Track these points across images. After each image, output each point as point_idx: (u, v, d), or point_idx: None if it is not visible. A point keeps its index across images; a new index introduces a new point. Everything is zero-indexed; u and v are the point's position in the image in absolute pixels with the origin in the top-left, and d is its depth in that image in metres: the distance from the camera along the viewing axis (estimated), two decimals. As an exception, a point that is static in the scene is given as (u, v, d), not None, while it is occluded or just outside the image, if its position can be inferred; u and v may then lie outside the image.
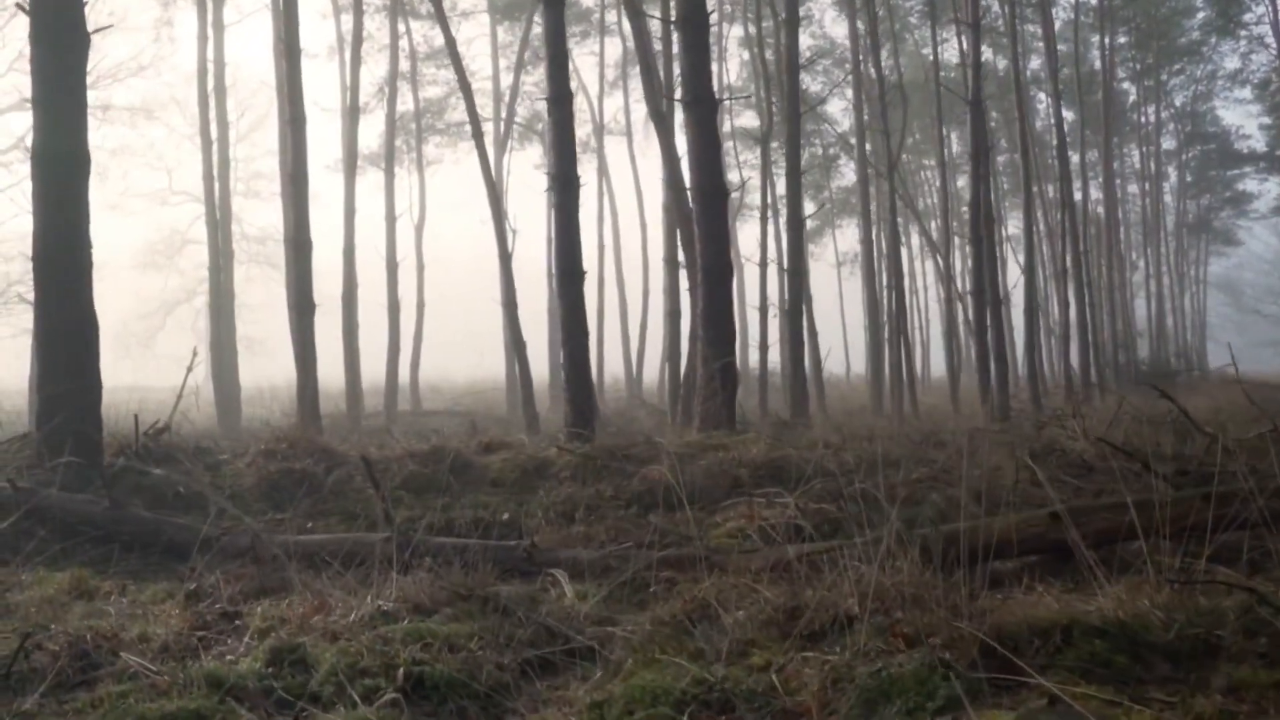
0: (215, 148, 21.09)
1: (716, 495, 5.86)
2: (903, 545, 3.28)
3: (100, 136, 22.20)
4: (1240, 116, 73.90)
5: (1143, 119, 36.74)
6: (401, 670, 2.67)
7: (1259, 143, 39.46)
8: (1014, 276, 24.18)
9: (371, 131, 31.42)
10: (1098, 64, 30.58)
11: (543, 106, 29.64)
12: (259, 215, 38.97)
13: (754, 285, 22.93)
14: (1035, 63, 30.89)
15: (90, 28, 6.90)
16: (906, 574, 3.08)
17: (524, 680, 2.86)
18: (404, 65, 26.25)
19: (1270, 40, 30.16)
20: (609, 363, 29.59)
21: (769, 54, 20.63)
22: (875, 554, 3.26)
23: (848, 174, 34.77)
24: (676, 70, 16.18)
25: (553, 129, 9.90)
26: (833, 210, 35.61)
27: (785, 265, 17.28)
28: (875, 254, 25.29)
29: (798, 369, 15.62)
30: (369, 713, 2.52)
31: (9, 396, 17.10)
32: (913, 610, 2.84)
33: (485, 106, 28.20)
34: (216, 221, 20.94)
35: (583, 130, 29.85)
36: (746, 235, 31.62)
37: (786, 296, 16.49)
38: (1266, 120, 38.08)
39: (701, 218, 10.09)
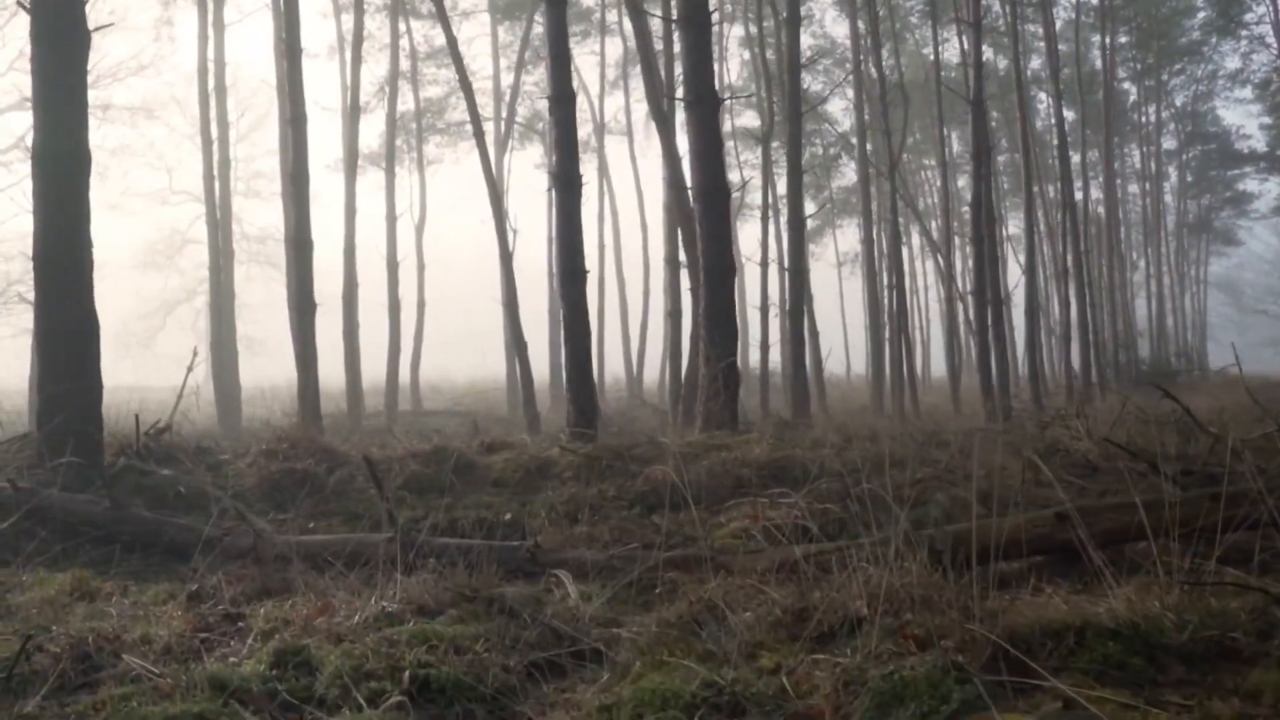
0: (215, 147, 21.06)
1: (720, 495, 5.83)
2: (911, 546, 3.26)
3: (100, 136, 22.18)
4: (1241, 116, 73.94)
5: (1143, 119, 36.74)
6: (407, 673, 2.64)
7: (1259, 143, 39.50)
8: (1014, 276, 24.20)
9: (372, 131, 31.40)
10: (1098, 64, 30.58)
11: (543, 106, 29.66)
12: (259, 215, 38.90)
13: (754, 285, 22.95)
14: (1036, 62, 30.89)
15: (90, 26, 6.87)
16: (915, 575, 3.06)
17: (530, 683, 2.83)
18: (404, 65, 26.25)
19: (1271, 40, 30.19)
20: (610, 362, 29.58)
21: (770, 53, 20.61)
22: (883, 555, 3.24)
23: (848, 174, 34.77)
24: (678, 69, 16.17)
25: (555, 128, 9.87)
26: (833, 210, 35.59)
27: (786, 265, 17.26)
28: (876, 254, 25.27)
29: (799, 369, 15.60)
30: (374, 716, 2.50)
31: (9, 396, 17.07)
32: (922, 612, 2.81)
33: (486, 106, 28.19)
34: (217, 221, 20.91)
35: (583, 130, 29.78)
36: (747, 235, 31.60)
37: (787, 296, 16.47)
38: (1267, 120, 38.09)
39: (703, 217, 10.06)
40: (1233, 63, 35.66)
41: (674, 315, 17.94)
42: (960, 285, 27.81)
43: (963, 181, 32.90)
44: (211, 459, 6.98)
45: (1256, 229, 46.48)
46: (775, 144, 21.74)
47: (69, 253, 6.52)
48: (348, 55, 22.28)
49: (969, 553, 3.47)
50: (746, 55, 30.92)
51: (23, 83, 20.45)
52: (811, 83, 27.84)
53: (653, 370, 30.55)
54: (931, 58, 25.10)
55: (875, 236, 25.75)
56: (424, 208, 27.39)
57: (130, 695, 2.67)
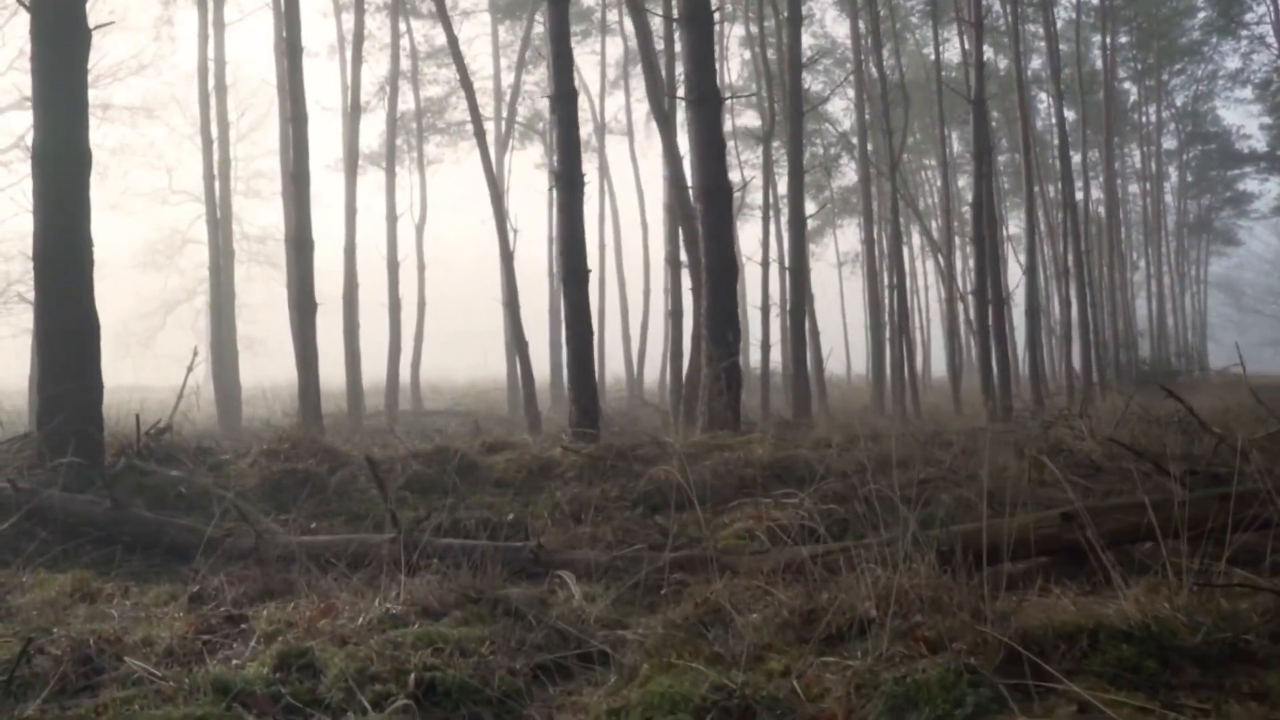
0: (216, 147, 21.03)
1: (723, 496, 5.80)
2: (918, 547, 3.23)
3: (100, 135, 22.18)
4: (1241, 116, 74.04)
5: (1144, 119, 36.74)
6: (412, 675, 2.61)
7: (1260, 143, 39.52)
8: (1015, 276, 24.18)
9: (372, 131, 31.41)
10: (1099, 64, 30.56)
11: (543, 105, 29.68)
12: (259, 215, 39.05)
13: (755, 285, 22.93)
14: (1036, 62, 30.89)
15: (90, 25, 6.84)
16: (924, 576, 3.03)
17: (536, 685, 2.80)
18: (405, 64, 26.22)
19: (1271, 40, 30.20)
20: (610, 362, 29.55)
21: (771, 53, 20.59)
22: (890, 555, 3.21)
23: (849, 173, 34.76)
24: (679, 69, 16.15)
25: (557, 126, 9.84)
26: (834, 210, 35.59)
27: (787, 264, 17.24)
28: (877, 253, 25.26)
29: (800, 369, 15.58)
30: (380, 719, 2.47)
31: (9, 396, 17.04)
32: (932, 614, 2.78)
33: (486, 106, 28.17)
34: (217, 221, 20.88)
35: (584, 129, 29.63)
36: (747, 235, 31.57)
37: (788, 296, 16.45)
38: (1267, 120, 38.10)
39: (705, 216, 10.03)
40: (1233, 63, 35.71)
41: (675, 315, 17.93)
42: (961, 285, 27.79)
43: (963, 181, 32.88)
44: (212, 459, 6.95)
45: (1257, 229, 46.56)
46: (776, 143, 21.73)
47: (69, 252, 6.49)
48: (348, 54, 22.26)
49: (975, 554, 3.45)
50: (747, 55, 30.91)
51: (23, 82, 20.43)
52: (812, 82, 27.84)
53: (653, 370, 30.54)
54: (932, 57, 25.09)
55: (876, 236, 25.74)
56: (424, 207, 27.41)
57: (132, 698, 2.64)
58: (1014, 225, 34.75)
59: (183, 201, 31.01)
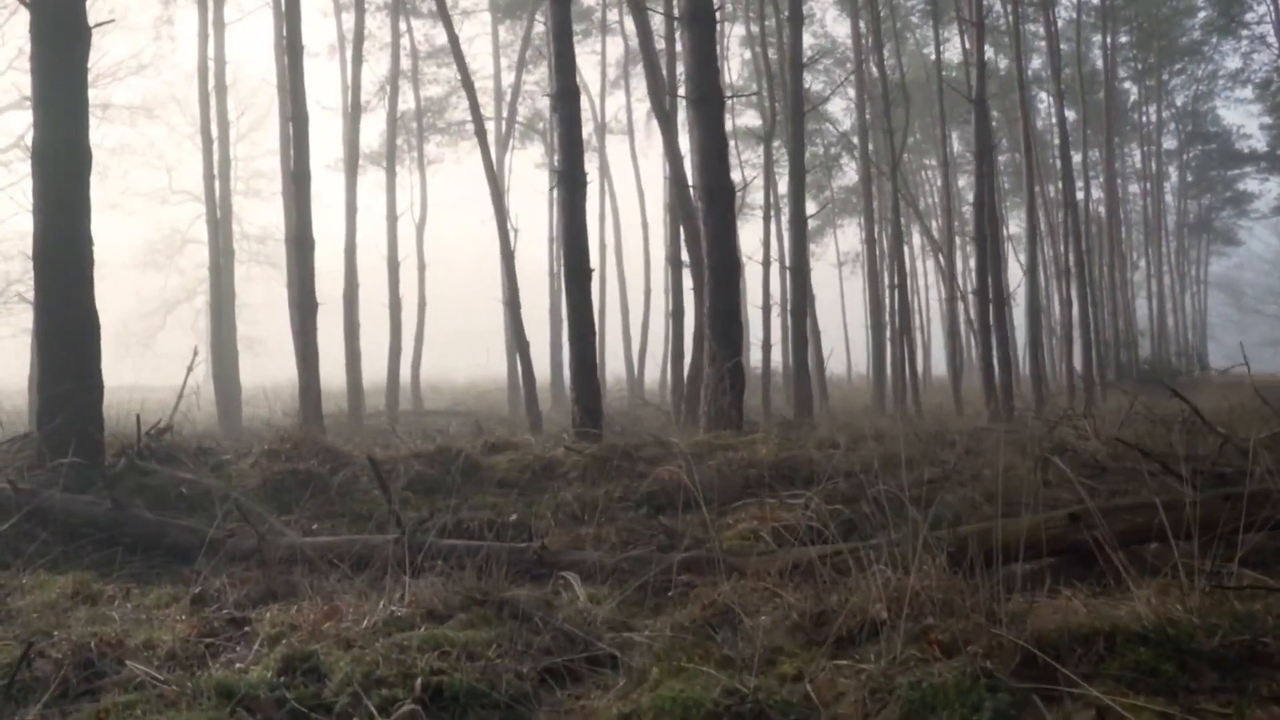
0: (216, 146, 20.99)
1: (727, 496, 5.76)
2: (928, 548, 3.19)
3: (100, 135, 22.15)
4: (1241, 116, 74.08)
5: (1144, 119, 36.71)
6: (419, 680, 2.57)
7: (1260, 142, 39.50)
8: (1015, 276, 24.15)
9: (372, 130, 31.37)
10: (1099, 63, 30.53)
11: (544, 105, 29.64)
12: (259, 214, 39.05)
13: (755, 284, 22.89)
14: (1036, 62, 30.85)
15: (90, 23, 6.80)
16: (935, 578, 2.99)
17: (544, 689, 2.76)
18: (405, 64, 26.17)
19: (1272, 39, 30.16)
20: (610, 362, 29.50)
21: (771, 53, 20.55)
22: (899, 556, 3.17)
23: (849, 173, 34.74)
24: (679, 68, 16.12)
25: (559, 125, 9.81)
26: (834, 209, 35.57)
27: (788, 264, 17.21)
28: (878, 253, 25.24)
29: (801, 368, 15.55)
30: (386, 724, 2.43)
31: (9, 396, 16.99)
32: (944, 616, 2.75)
33: (486, 105, 28.12)
34: (217, 221, 20.84)
35: (584, 129, 29.66)
36: (747, 234, 31.52)
37: (789, 295, 16.41)
38: (1267, 120, 38.07)
39: (708, 216, 10.00)
40: (1233, 62, 35.69)
41: (676, 315, 17.89)
42: (961, 284, 27.76)
43: (963, 181, 32.86)
44: (213, 459, 6.91)
45: (1257, 229, 46.53)
46: (776, 143, 21.70)
47: (69, 252, 6.45)
48: (348, 54, 22.22)
49: (985, 555, 3.41)
50: (747, 54, 30.88)
51: (22, 81, 20.40)
52: (813, 82, 27.80)
53: (653, 370, 30.51)
54: (933, 57, 25.06)
55: (877, 236, 25.71)
56: (424, 207, 27.36)
57: (134, 703, 2.60)
58: (1014, 225, 34.76)
59: (183, 201, 31.02)
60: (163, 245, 33.98)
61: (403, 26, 25.50)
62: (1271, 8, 27.62)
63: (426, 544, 4.18)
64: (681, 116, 16.61)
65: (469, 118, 17.73)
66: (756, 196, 25.75)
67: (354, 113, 22.06)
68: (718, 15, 11.32)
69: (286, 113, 16.32)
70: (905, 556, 3.14)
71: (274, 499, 5.91)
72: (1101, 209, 30.15)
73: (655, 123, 17.07)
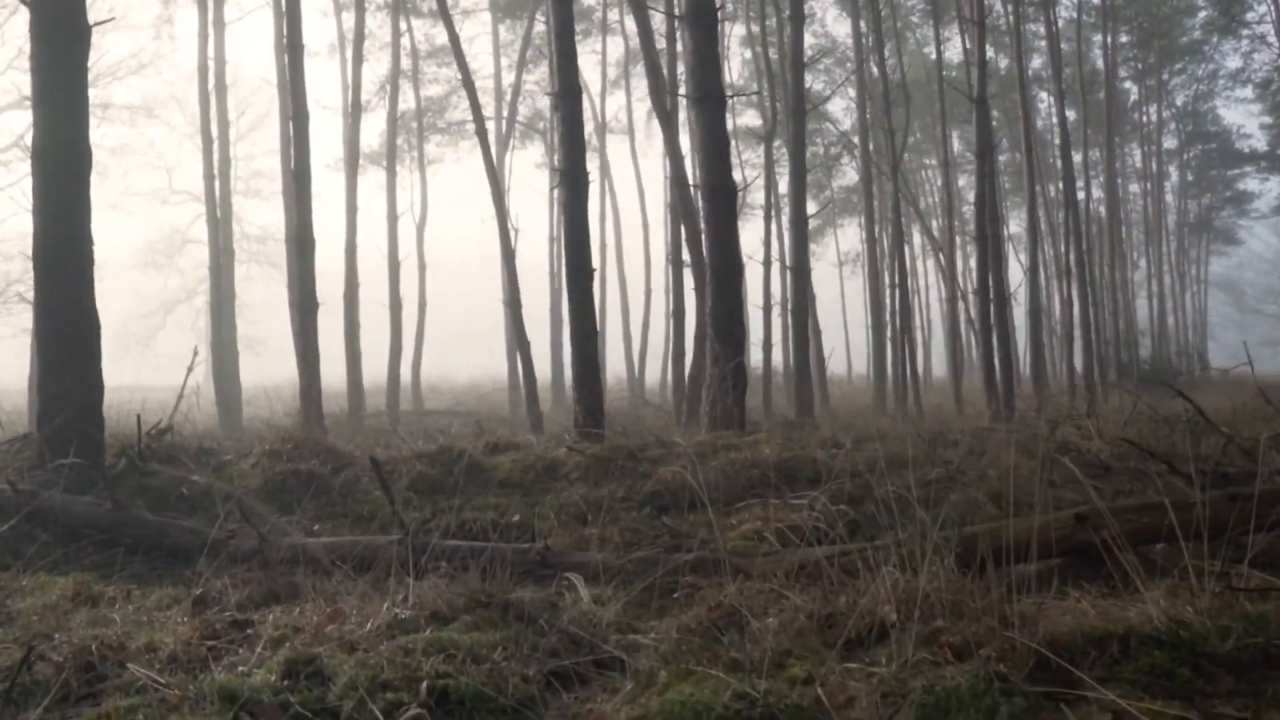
0: (216, 146, 20.96)
1: (731, 496, 5.74)
2: (936, 549, 3.16)
3: (100, 135, 22.14)
4: (1241, 116, 74.10)
5: (1144, 118, 36.69)
6: (425, 683, 2.54)
7: (1260, 142, 39.49)
8: (1015, 275, 24.12)
9: (373, 130, 31.34)
10: (1100, 63, 30.51)
11: (544, 104, 29.60)
12: (259, 214, 39.03)
13: (755, 284, 22.88)
14: (1037, 62, 30.83)
15: (90, 21, 6.77)
16: (944, 579, 2.96)
17: (550, 693, 2.73)
18: (405, 63, 26.13)
19: (1272, 39, 30.15)
20: (611, 362, 29.47)
21: (772, 52, 20.52)
22: (907, 557, 3.14)
23: (849, 173, 34.71)
24: (680, 68, 16.09)
25: (561, 124, 9.78)
26: (834, 209, 35.55)
27: (789, 264, 17.19)
28: (878, 253, 25.22)
29: (802, 368, 15.52)
30: (392, 728, 2.40)
31: (9, 396, 16.97)
32: (954, 618, 2.72)
33: (487, 105, 28.05)
34: (217, 220, 20.81)
35: (584, 129, 29.66)
36: (747, 234, 31.45)
37: (790, 295, 16.39)
38: (1268, 120, 38.06)
39: (710, 215, 9.96)
40: (1234, 62, 35.72)
41: (677, 314, 17.87)
42: (962, 284, 27.74)
43: (963, 180, 32.84)
44: (214, 460, 6.88)
45: (1257, 228, 46.50)
46: (777, 143, 21.67)
47: (69, 251, 6.42)
48: (348, 54, 22.20)
49: (993, 555, 3.38)
50: (748, 54, 30.85)
51: (22, 81, 20.37)
52: (813, 82, 27.76)
53: (653, 370, 30.48)
54: (933, 57, 25.04)
55: (877, 235, 25.69)
56: (425, 207, 27.34)
57: (136, 707, 2.57)
58: (1015, 224, 34.74)
59: (183, 201, 31.02)
60: (163, 245, 34.00)
61: (403, 26, 25.49)
62: (1272, 7, 27.62)
63: (430, 545, 4.15)
64: (682, 116, 16.60)
65: (469, 117, 17.72)
66: (757, 196, 25.73)
67: (354, 112, 22.03)
68: (719, 14, 11.28)
69: (287, 112, 16.30)
70: (914, 557, 3.11)
71: (275, 500, 5.88)
72: (1102, 208, 30.13)
73: (655, 122, 17.07)
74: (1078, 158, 27.62)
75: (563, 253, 10.09)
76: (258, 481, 6.15)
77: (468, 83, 17.28)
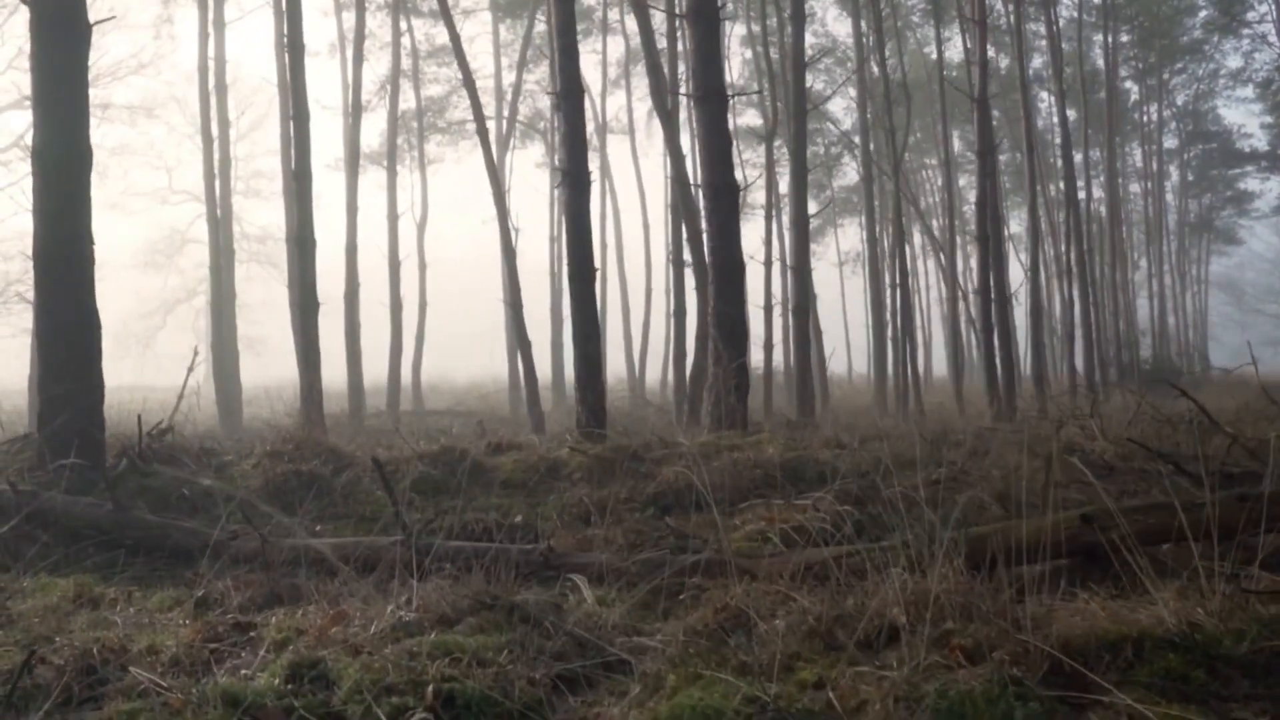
0: (216, 146, 20.92)
1: (734, 497, 5.71)
2: (946, 550, 3.13)
3: (100, 135, 22.04)
4: (1242, 115, 74.05)
5: (1145, 118, 36.65)
6: (431, 687, 2.51)
7: (1261, 142, 39.45)
8: (1016, 275, 24.09)
9: (373, 130, 31.30)
10: (1100, 63, 30.47)
11: (545, 104, 29.56)
12: (259, 214, 39.00)
13: (756, 284, 22.81)
14: (1037, 61, 30.80)
15: (90, 20, 6.74)
16: (953, 581, 2.93)
17: (557, 696, 2.70)
18: (406, 63, 26.09)
19: (1273, 39, 30.13)
20: (611, 362, 29.42)
21: (773, 52, 20.49)
22: (915, 558, 3.11)
23: (850, 173, 34.68)
24: (681, 67, 16.06)
25: (562, 123, 9.75)
26: (835, 209, 35.52)
27: (790, 263, 17.16)
28: (879, 253, 25.18)
29: (804, 368, 15.49)
30: (397, 732, 2.37)
31: (9, 396, 16.94)
32: (964, 620, 2.69)
33: (487, 105, 27.97)
34: (217, 220, 20.78)
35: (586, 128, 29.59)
36: (748, 234, 31.40)
37: (791, 295, 16.36)
38: (1268, 119, 38.03)
39: (712, 214, 9.93)
40: (1234, 61, 35.68)
41: (678, 314, 17.84)
42: (962, 284, 27.70)
43: (964, 180, 32.80)
44: (216, 460, 6.86)
45: (1257, 228, 46.44)
46: (778, 142, 21.63)
47: (69, 251, 6.40)
48: (349, 53, 22.16)
49: (1002, 556, 3.36)
50: (748, 54, 30.81)
51: (22, 81, 20.35)
52: (814, 81, 27.72)
53: (654, 370, 30.44)
54: (934, 56, 25.01)
55: (878, 235, 25.66)
56: (425, 207, 27.28)
57: (138, 711, 2.54)
58: (1015, 224, 34.71)
59: (183, 201, 31.00)
60: (163, 245, 33.99)
61: (403, 25, 25.45)
62: (1272, 7, 27.61)
63: (433, 546, 4.12)
64: (683, 115, 16.58)
65: (470, 117, 17.69)
66: (757, 196, 25.67)
67: (354, 112, 21.99)
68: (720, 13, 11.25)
69: (287, 112, 16.26)
70: (922, 559, 3.08)
71: (277, 500, 5.85)
72: (1102, 208, 30.10)
73: (656, 122, 17.05)
74: (1078, 157, 27.58)
75: (564, 252, 10.06)
76: (259, 482, 6.12)
77: (468, 82, 17.24)
